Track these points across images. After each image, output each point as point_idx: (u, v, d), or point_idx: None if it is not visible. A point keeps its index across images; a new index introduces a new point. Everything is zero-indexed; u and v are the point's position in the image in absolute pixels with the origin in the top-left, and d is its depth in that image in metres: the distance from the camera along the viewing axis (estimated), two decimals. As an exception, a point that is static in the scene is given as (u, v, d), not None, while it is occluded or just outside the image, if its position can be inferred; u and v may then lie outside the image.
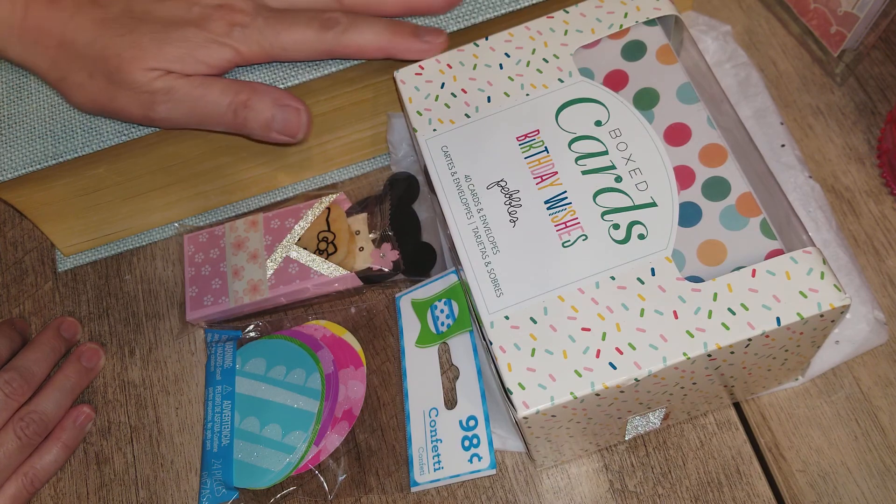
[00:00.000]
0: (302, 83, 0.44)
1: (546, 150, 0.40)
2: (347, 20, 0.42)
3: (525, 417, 0.35)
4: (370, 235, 0.48)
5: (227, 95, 0.42)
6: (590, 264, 0.37)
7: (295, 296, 0.48)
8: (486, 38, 0.43)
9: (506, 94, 0.42)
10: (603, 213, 0.38)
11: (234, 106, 0.42)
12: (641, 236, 0.37)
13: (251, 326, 0.49)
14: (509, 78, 0.42)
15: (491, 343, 0.36)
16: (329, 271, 0.47)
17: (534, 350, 0.35)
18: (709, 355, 0.34)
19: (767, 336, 0.34)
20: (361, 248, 0.48)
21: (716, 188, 0.38)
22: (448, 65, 0.43)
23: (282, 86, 0.44)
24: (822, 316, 0.34)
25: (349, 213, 0.49)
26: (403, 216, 0.49)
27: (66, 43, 0.42)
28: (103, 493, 0.47)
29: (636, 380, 0.34)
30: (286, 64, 0.44)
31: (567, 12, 0.43)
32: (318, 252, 0.48)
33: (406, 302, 0.47)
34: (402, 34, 0.43)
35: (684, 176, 0.38)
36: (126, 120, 0.43)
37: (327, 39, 0.42)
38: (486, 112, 0.41)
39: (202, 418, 0.47)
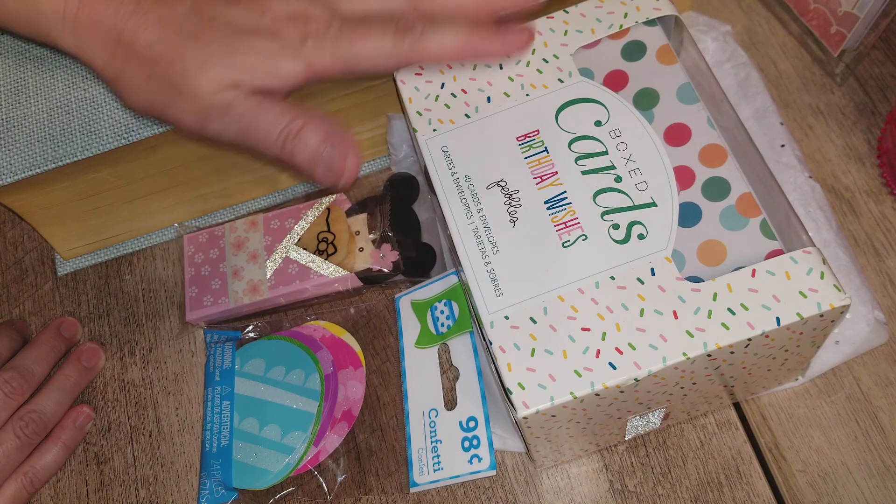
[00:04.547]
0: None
1: (546, 150, 0.40)
2: (423, 24, 0.39)
3: (525, 417, 0.35)
4: (370, 236, 0.48)
5: (283, 121, 0.39)
6: (590, 264, 0.37)
7: (294, 296, 0.48)
8: (486, 39, 0.43)
9: (506, 94, 0.42)
10: (603, 213, 0.38)
11: (284, 133, 0.39)
12: (641, 236, 0.37)
13: (250, 327, 0.49)
14: (509, 78, 0.42)
15: (491, 343, 0.36)
16: (329, 272, 0.47)
17: (534, 350, 0.35)
18: (709, 355, 0.34)
19: (767, 336, 0.34)
20: (361, 249, 0.48)
21: (716, 188, 0.38)
22: (448, 65, 0.43)
23: None
24: (821, 316, 0.34)
25: (349, 213, 0.49)
26: (403, 217, 0.49)
27: (124, 40, 0.39)
28: (103, 493, 0.47)
29: (636, 380, 0.34)
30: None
31: (567, 12, 0.43)
32: (318, 252, 0.48)
33: (406, 302, 0.47)
34: (484, 35, 0.39)
35: (684, 176, 0.38)
36: (175, 126, 0.41)
37: (404, 46, 0.39)
38: (486, 112, 0.41)
39: (202, 418, 0.47)
